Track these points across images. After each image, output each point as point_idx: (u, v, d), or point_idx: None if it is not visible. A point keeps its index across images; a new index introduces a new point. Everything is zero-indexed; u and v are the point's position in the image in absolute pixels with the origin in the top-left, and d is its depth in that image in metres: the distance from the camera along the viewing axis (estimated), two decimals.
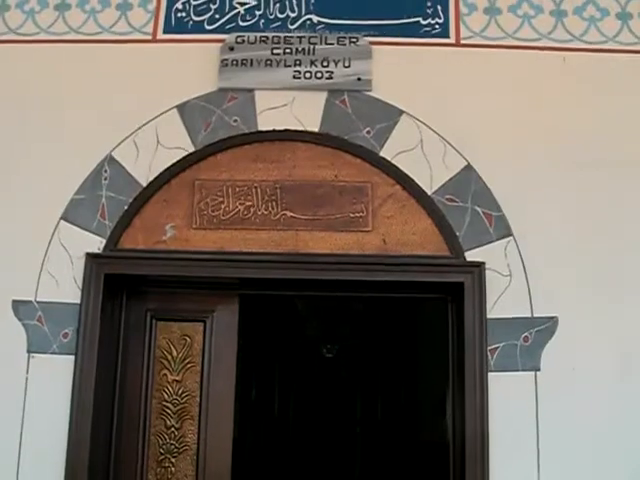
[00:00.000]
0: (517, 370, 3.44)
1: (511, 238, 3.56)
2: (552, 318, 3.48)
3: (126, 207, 3.65)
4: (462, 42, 3.80)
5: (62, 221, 3.64)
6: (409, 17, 3.82)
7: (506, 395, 3.42)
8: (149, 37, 3.87)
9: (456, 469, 3.60)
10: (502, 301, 3.51)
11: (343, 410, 8.42)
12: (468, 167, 3.63)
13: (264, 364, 7.74)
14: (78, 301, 3.55)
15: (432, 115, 3.68)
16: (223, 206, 3.66)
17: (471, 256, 3.56)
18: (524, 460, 3.39)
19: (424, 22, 3.82)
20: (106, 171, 3.68)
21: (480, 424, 3.39)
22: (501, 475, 3.38)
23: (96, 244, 3.62)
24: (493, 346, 3.46)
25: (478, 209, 3.59)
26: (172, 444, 3.72)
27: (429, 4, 3.84)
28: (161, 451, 3.72)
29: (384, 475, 7.76)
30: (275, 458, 7.77)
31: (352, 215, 3.63)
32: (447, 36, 3.80)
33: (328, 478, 7.96)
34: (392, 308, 6.95)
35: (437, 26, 3.81)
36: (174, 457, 3.71)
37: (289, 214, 3.64)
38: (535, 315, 3.49)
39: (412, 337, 7.59)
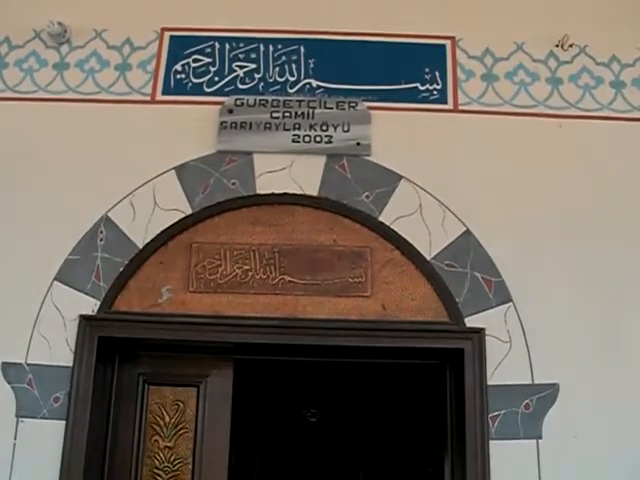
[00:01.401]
0: (519, 438, 3.40)
1: (511, 304, 3.55)
2: (553, 385, 3.45)
3: (121, 269, 3.60)
4: (460, 108, 3.84)
5: (56, 282, 3.57)
6: (407, 82, 3.87)
7: (508, 463, 3.37)
8: (148, 98, 3.87)
9: None
10: (502, 368, 3.48)
11: (325, 476, 8.27)
12: (467, 232, 3.63)
13: (246, 428, 7.59)
14: (70, 364, 3.48)
15: (431, 180, 3.70)
16: (220, 269, 3.61)
17: (471, 322, 3.54)
18: None
19: (422, 88, 3.86)
20: (102, 232, 3.64)
21: None
22: None
23: (90, 306, 3.55)
24: (494, 413, 3.42)
25: (477, 275, 3.58)
26: None
27: (427, 70, 3.88)
28: None
29: None
30: None
31: (351, 280, 3.60)
32: (445, 102, 3.85)
33: None
34: (378, 375, 6.85)
35: (435, 92, 3.85)
36: None
37: (287, 278, 3.60)
38: (536, 382, 3.46)
39: (397, 404, 7.49)
